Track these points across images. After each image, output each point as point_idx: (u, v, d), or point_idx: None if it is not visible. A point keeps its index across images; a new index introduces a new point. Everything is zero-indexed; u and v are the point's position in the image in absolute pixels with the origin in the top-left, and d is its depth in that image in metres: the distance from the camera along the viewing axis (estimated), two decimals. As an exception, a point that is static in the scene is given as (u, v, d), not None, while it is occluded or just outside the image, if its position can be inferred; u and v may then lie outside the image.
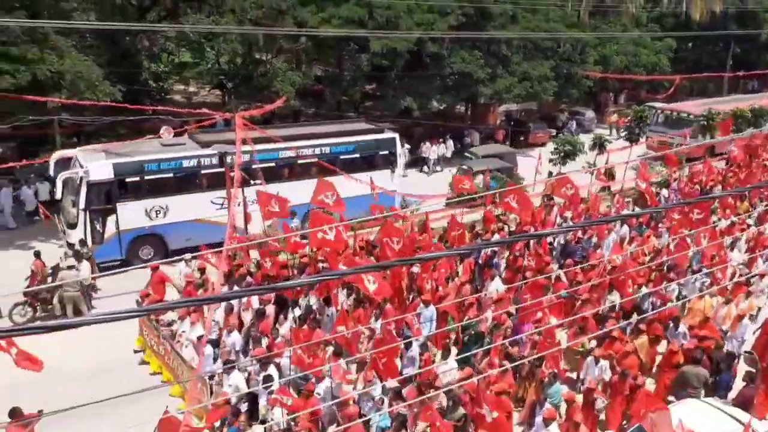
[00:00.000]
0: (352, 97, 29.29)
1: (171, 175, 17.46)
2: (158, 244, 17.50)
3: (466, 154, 26.17)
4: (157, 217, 17.25)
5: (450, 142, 29.56)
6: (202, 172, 17.81)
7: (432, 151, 28.31)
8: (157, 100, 25.59)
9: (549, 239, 17.22)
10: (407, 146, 27.77)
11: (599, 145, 24.94)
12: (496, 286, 14.36)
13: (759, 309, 13.97)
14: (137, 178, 17.05)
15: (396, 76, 27.57)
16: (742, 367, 12.16)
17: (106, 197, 16.68)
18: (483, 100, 31.96)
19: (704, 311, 13.51)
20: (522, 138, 32.50)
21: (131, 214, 16.90)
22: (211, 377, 11.11)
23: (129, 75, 24.40)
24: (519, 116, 35.28)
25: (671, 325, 12.71)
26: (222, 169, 16.36)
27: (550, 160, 24.17)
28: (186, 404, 10.78)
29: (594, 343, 12.55)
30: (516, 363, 11.13)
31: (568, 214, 18.82)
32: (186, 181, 17.77)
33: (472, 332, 12.56)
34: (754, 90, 42.21)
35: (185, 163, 17.54)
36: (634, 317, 13.24)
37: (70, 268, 14.24)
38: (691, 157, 26.57)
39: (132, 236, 17.03)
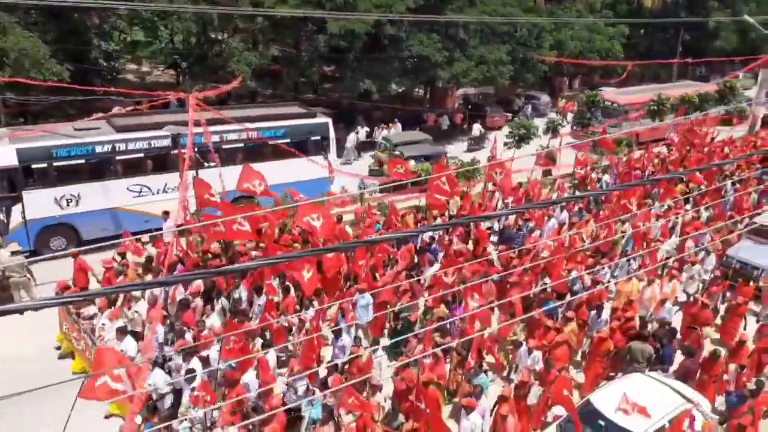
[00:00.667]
0: (310, 78, 29.04)
1: (83, 161, 16.50)
2: (70, 234, 16.59)
3: (381, 141, 25.78)
4: (68, 205, 16.33)
5: (398, 126, 29.35)
6: (118, 158, 16.86)
7: (380, 135, 28.06)
8: (108, 80, 24.87)
9: (487, 224, 17.53)
10: (366, 129, 27.76)
11: (552, 129, 25.42)
12: (433, 273, 14.34)
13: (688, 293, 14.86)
14: (45, 165, 16.02)
15: (354, 58, 27.43)
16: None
17: (9, 184, 15.68)
18: (441, 83, 32.13)
19: (631, 294, 13.91)
20: (479, 121, 32.86)
21: (39, 203, 15.98)
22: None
23: (78, 53, 23.62)
24: (476, 100, 35.62)
25: (593, 313, 12.94)
26: (139, 156, 16.22)
27: (505, 144, 24.52)
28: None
29: (525, 332, 12.91)
30: (440, 347, 10.99)
31: (510, 199, 19.02)
32: (100, 168, 16.81)
33: (403, 321, 12.51)
34: (702, 76, 43.62)
35: (99, 149, 16.52)
36: (567, 299, 13.56)
37: (14, 253, 13.82)
38: (642, 141, 27.40)
39: (40, 226, 16.09)
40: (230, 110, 20.25)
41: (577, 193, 20.71)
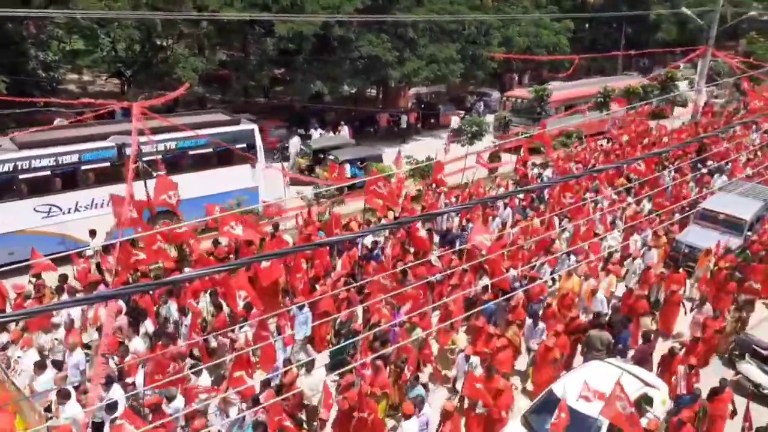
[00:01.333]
0: (260, 82, 28.65)
1: None
2: None
3: (301, 147, 25.03)
4: None
5: (345, 129, 28.68)
6: (21, 177, 15.56)
7: (292, 144, 26.40)
8: (48, 91, 23.96)
9: (428, 227, 17.04)
10: (321, 131, 27.49)
11: (504, 125, 25.71)
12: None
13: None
14: None
15: (304, 60, 27.18)
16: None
17: None
18: (393, 83, 32.15)
19: (573, 289, 13.90)
20: (432, 120, 33.04)
21: None
22: (48, 408, 9.74)
23: (14, 65, 22.66)
24: (429, 98, 35.80)
25: (530, 322, 12.61)
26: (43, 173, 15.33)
27: (455, 141, 24.69)
28: None
29: (465, 342, 12.60)
30: (378, 355, 10.52)
31: (454, 199, 19.02)
32: (1, 189, 15.53)
33: (345, 331, 12.04)
34: (645, 66, 44.90)
35: None
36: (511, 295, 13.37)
37: None
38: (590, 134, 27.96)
39: None
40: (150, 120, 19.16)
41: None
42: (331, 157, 22.67)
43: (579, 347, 12.59)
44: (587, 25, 44.38)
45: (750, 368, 12.56)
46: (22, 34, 24.44)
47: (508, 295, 13.06)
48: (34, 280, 12.70)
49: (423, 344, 11.74)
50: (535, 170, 22.87)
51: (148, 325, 11.69)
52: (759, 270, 15.20)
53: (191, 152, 17.63)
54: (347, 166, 21.97)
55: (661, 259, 16.19)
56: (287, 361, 10.93)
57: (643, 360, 12.22)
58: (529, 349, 12.64)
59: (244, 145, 18.93)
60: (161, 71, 24.66)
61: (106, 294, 8.40)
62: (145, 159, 16.23)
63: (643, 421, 10.53)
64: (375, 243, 15.57)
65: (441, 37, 31.14)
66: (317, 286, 13.36)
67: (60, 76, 26.99)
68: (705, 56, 32.09)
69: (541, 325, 12.49)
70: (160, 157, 16.69)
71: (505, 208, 18.59)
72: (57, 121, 17.72)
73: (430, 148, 24.97)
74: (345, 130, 28.43)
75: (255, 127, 19.56)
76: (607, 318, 12.91)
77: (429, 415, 9.91)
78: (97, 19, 23.72)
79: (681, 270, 15.56)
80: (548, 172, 22.62)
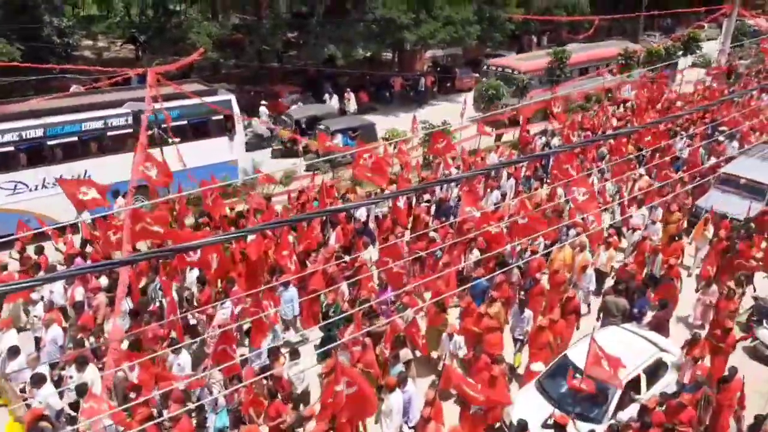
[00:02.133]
0: (273, 46, 28.37)
1: None
2: None
3: (283, 117, 23.63)
4: None
5: (352, 96, 27.75)
6: None
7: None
8: (63, 58, 23.93)
9: (426, 197, 16.70)
10: (335, 97, 27.24)
11: (522, 88, 25.28)
12: (369, 255, 13.46)
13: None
14: None
15: (317, 23, 26.82)
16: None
17: None
18: (408, 46, 31.63)
19: (565, 261, 13.35)
20: (449, 84, 32.54)
21: None
22: (23, 390, 9.45)
23: (29, 31, 22.64)
24: (445, 62, 35.22)
25: (515, 308, 11.79)
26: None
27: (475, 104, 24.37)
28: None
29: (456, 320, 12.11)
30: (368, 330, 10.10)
31: (454, 170, 18.06)
32: None
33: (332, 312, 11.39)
34: (668, 26, 43.65)
35: None
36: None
37: None
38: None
39: None
40: (118, 93, 17.85)
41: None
42: (321, 127, 21.66)
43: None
44: (609, -16, 43.16)
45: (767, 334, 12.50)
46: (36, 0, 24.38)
47: (499, 271, 12.24)
48: (17, 256, 12.60)
49: (410, 323, 11.12)
50: (544, 139, 21.99)
51: (129, 303, 11.34)
52: (759, 242, 14.59)
53: (164, 125, 16.51)
54: (339, 137, 21.10)
55: (672, 234, 15.24)
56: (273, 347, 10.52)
57: (659, 326, 12.20)
58: (514, 339, 11.86)
59: (221, 117, 18.04)
60: (175, 36, 24.50)
61: (115, 262, 8.31)
62: (114, 133, 16.07)
63: (659, 386, 10.61)
64: (375, 216, 15.21)
65: (458, -2, 30.49)
66: (308, 262, 12.87)
67: (75, 42, 26.92)
68: (731, 15, 31.13)
69: (528, 312, 11.63)
70: (130, 130, 16.06)
71: (508, 178, 17.90)
72: (73, 88, 17.75)
73: (447, 113, 24.68)
74: (352, 98, 27.76)
75: (232, 97, 18.50)
76: (624, 285, 12.86)
77: (412, 393, 9.64)
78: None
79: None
80: (555, 141, 21.58)
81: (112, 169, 15.00)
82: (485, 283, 12.17)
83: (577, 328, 11.99)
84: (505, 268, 12.42)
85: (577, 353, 10.64)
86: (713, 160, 19.33)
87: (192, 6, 26.23)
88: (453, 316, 12.65)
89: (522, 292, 12.41)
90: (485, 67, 29.17)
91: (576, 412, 9.94)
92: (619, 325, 11.70)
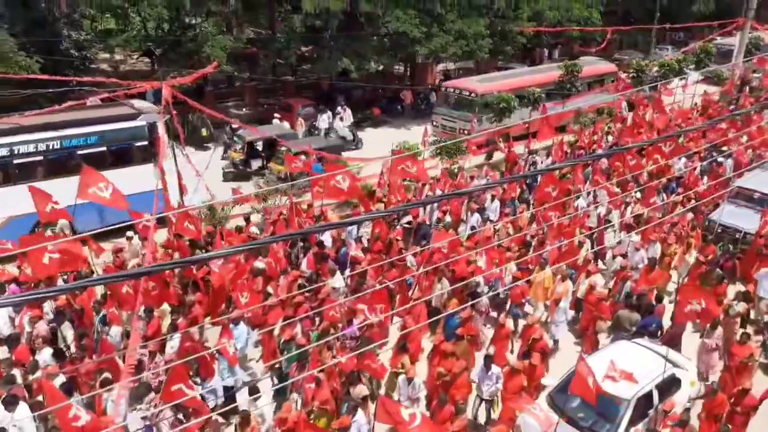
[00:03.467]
0: (287, 60, 28.70)
1: None
2: None
3: (235, 138, 22.50)
4: None
5: (348, 112, 26.73)
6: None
7: (322, 120, 25.68)
8: (81, 70, 24.34)
9: (405, 220, 16.01)
10: (348, 111, 27.36)
11: (533, 101, 25.34)
12: (336, 284, 12.70)
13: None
14: None
15: (331, 37, 27.14)
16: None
17: None
18: (420, 59, 31.86)
19: (544, 284, 12.89)
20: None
21: None
22: None
23: (48, 44, 23.07)
24: (457, 75, 35.40)
25: (481, 366, 10.59)
26: None
27: (487, 118, 24.43)
28: None
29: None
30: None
31: (438, 191, 17.45)
32: None
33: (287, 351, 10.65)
34: (680, 40, 43.59)
35: None
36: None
37: None
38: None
39: None
40: (30, 118, 16.43)
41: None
42: (283, 148, 20.27)
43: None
44: (620, -2, 43.29)
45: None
46: (56, 14, 24.86)
47: (469, 303, 11.61)
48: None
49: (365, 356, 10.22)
50: (536, 157, 21.45)
51: (68, 335, 10.68)
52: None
53: (80, 152, 15.71)
54: (304, 158, 19.57)
55: (667, 266, 14.60)
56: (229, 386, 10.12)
57: (672, 341, 12.15)
58: (481, 399, 10.71)
59: (146, 142, 16.79)
60: (190, 50, 24.84)
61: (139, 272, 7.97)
62: (19, 162, 15.09)
63: (673, 401, 10.54)
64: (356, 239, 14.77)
65: (469, 12, 30.66)
66: (270, 289, 12.26)
67: (92, 55, 27.40)
68: (743, 29, 31.04)
69: (496, 369, 10.42)
70: (40, 158, 15.41)
71: (492, 200, 17.15)
72: (90, 101, 18.04)
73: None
74: (348, 114, 26.88)
75: (157, 120, 16.68)
76: (637, 300, 12.80)
77: (362, 424, 9.21)
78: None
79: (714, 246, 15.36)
80: (548, 161, 20.88)
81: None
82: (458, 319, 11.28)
83: (547, 370, 11.29)
84: (476, 300, 11.84)
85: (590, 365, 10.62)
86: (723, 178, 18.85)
87: (207, 20, 26.57)
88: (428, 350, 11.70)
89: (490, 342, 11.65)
90: (443, 89, 26.74)
91: (587, 426, 9.91)
92: (631, 340, 11.67)
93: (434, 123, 26.11)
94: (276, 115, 24.96)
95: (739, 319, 11.76)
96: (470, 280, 12.50)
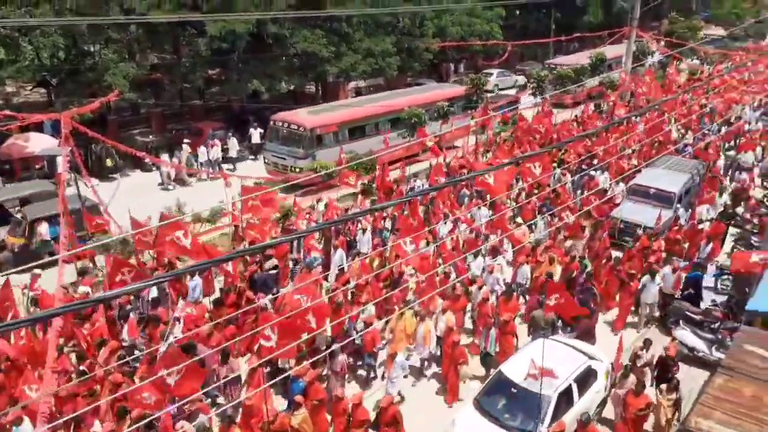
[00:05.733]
0: (194, 84, 28.12)
1: None
2: None
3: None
4: None
5: (256, 133, 26.18)
6: None
7: (201, 153, 24.19)
8: (-31, 105, 22.83)
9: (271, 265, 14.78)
10: (259, 131, 26.84)
11: (442, 114, 26.04)
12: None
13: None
14: None
15: (239, 59, 26.89)
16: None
17: None
18: (331, 78, 32.10)
19: (405, 330, 12.23)
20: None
21: None
22: None
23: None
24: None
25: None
26: None
27: (399, 134, 24.86)
28: None
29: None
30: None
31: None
32: None
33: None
34: (575, 49, 46.07)
35: None
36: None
37: None
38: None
39: None
40: None
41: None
42: (19, 215, 16.73)
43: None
44: (518, 12, 45.33)
45: (685, 334, 13.28)
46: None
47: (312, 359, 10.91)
48: None
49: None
50: (417, 182, 21.22)
51: None
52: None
53: None
54: (44, 226, 16.05)
55: (538, 283, 14.19)
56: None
57: (585, 334, 12.78)
58: None
59: None
60: (90, 78, 23.81)
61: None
62: None
63: (590, 393, 11.06)
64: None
65: (376, 31, 31.31)
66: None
67: (-20, 88, 25.78)
68: (630, 37, 33.34)
69: None
70: None
71: (363, 233, 16.30)
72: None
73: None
74: (256, 135, 26.17)
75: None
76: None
77: None
78: (18, 26, 22.66)
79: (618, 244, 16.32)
80: (420, 183, 20.75)
81: None
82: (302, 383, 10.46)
83: None
84: (320, 355, 11.07)
85: (512, 368, 10.98)
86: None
87: (107, 46, 25.58)
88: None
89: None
90: (272, 123, 24.07)
91: (515, 426, 10.21)
92: (548, 337, 12.16)
93: (265, 161, 23.91)
94: (185, 140, 24.35)
95: (647, 369, 11.57)
96: (318, 332, 11.29)
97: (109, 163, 23.08)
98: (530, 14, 45.45)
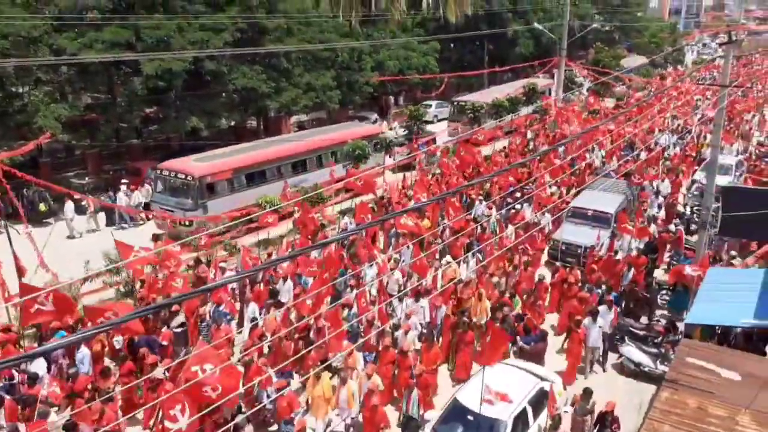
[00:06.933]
0: (131, 123, 27.55)
1: None
2: None
3: None
4: None
5: (146, 187, 23.37)
6: None
7: (126, 196, 22.64)
8: None
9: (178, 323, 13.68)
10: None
11: (385, 146, 26.36)
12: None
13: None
14: None
15: (176, 97, 26.55)
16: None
17: None
18: (272, 113, 32.11)
19: (323, 394, 11.35)
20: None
21: None
22: None
23: None
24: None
25: None
26: None
27: (343, 165, 24.98)
28: None
29: None
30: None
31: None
32: None
33: None
34: (509, 80, 47.74)
35: None
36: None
37: None
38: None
39: None
40: None
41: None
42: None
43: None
44: (452, 45, 46.71)
45: (630, 350, 13.67)
46: None
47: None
48: None
49: None
50: (344, 219, 20.44)
51: None
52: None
53: None
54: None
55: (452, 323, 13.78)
56: None
57: (535, 356, 12.98)
58: None
59: None
60: (20, 121, 22.98)
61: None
62: None
63: (544, 415, 11.17)
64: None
65: (315, 66, 31.62)
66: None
67: None
68: (559, 66, 34.90)
69: None
70: None
71: (285, 281, 15.19)
72: None
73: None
74: (145, 190, 23.52)
75: None
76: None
77: None
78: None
79: (560, 264, 16.68)
80: (347, 220, 20.29)
81: None
82: None
83: None
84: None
85: (466, 395, 10.99)
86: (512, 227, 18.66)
87: (37, 88, 24.80)
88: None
89: None
90: (157, 172, 21.96)
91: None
92: (500, 362, 12.28)
93: (153, 214, 21.54)
94: (123, 180, 23.64)
95: (588, 417, 11.30)
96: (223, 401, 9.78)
97: (42, 207, 22.13)
98: (465, 47, 46.91)
